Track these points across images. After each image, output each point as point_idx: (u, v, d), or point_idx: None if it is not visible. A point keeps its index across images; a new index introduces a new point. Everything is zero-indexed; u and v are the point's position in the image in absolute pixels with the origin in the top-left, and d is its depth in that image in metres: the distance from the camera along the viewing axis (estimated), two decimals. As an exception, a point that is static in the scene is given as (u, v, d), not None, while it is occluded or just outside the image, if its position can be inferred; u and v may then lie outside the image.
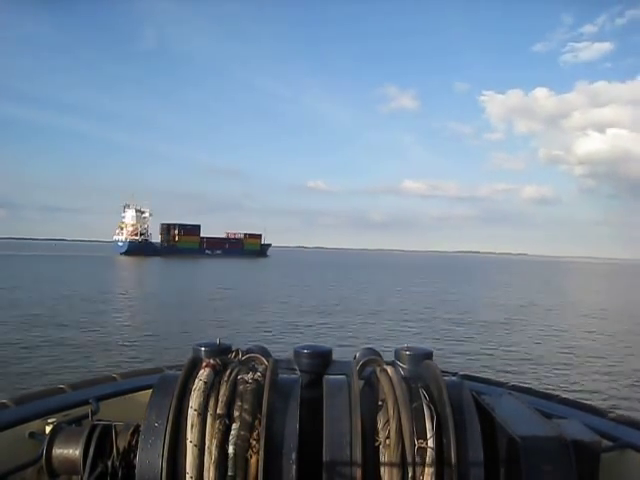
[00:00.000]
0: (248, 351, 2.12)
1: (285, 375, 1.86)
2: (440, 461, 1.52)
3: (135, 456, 1.59)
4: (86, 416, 2.03)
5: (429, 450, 1.52)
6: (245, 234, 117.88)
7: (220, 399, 1.58)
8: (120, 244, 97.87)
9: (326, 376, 1.82)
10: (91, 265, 67.17)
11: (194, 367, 1.70)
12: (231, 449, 1.50)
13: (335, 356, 2.24)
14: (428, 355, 2.07)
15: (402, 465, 1.50)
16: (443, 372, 1.84)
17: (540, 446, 1.56)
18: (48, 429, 1.87)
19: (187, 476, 1.50)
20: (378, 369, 1.80)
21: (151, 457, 1.52)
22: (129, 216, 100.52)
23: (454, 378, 2.01)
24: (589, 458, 1.62)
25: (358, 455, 1.49)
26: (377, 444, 1.54)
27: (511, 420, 1.66)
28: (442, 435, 1.55)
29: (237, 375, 1.67)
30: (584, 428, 1.76)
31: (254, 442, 1.51)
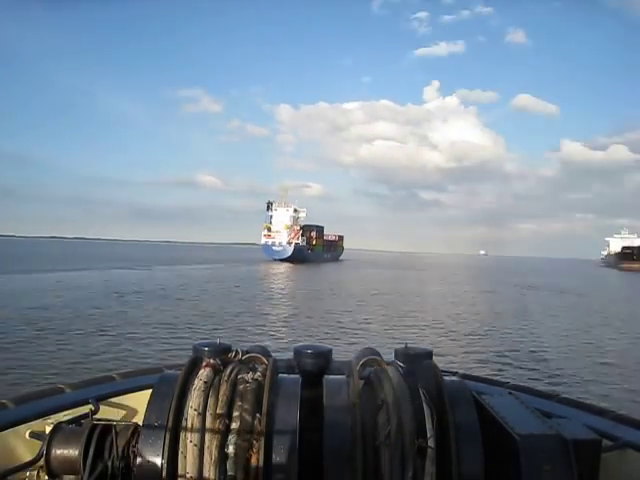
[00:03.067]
0: (248, 351, 2.12)
1: (285, 375, 1.86)
2: (440, 461, 1.52)
3: (135, 456, 1.60)
4: (86, 416, 2.03)
5: (429, 450, 1.52)
6: (338, 236, 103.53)
7: (220, 399, 1.58)
8: (278, 248, 79.86)
9: (326, 376, 1.82)
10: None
11: (194, 367, 1.70)
12: (231, 449, 1.50)
13: (335, 356, 2.24)
14: (428, 355, 2.07)
15: (402, 465, 1.50)
16: (443, 372, 1.84)
17: (540, 446, 1.56)
18: (48, 429, 1.87)
19: (187, 476, 1.49)
20: (378, 369, 1.80)
21: (151, 457, 1.52)
22: (284, 216, 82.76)
23: (454, 378, 2.01)
24: (589, 458, 1.62)
25: (358, 455, 1.49)
26: (377, 444, 1.54)
27: (511, 420, 1.66)
28: (442, 435, 1.55)
29: (237, 375, 1.67)
30: (584, 428, 1.76)
31: (254, 442, 1.51)
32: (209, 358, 1.75)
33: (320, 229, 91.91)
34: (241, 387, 1.63)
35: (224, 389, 1.60)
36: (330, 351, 2.21)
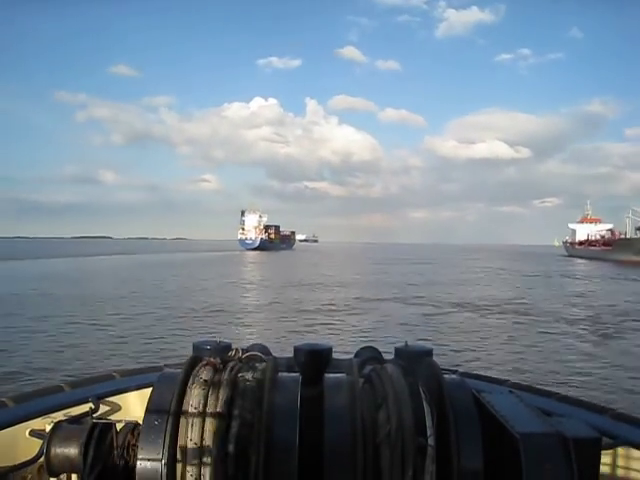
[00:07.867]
0: (248, 349, 2.11)
1: (285, 374, 1.85)
2: (440, 459, 1.52)
3: (135, 455, 1.59)
4: (86, 414, 2.03)
5: (429, 448, 1.52)
6: (291, 232, 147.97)
7: (220, 397, 1.58)
8: (249, 241, 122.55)
9: (326, 374, 1.82)
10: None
11: (194, 365, 1.70)
12: (231, 448, 1.50)
13: (335, 354, 2.24)
14: (428, 353, 2.06)
15: (402, 463, 1.49)
16: (443, 370, 1.84)
17: (540, 444, 1.55)
18: (48, 427, 1.87)
19: (187, 475, 1.49)
20: (378, 367, 1.79)
21: (151, 456, 1.51)
22: (253, 220, 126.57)
23: (454, 376, 2.00)
24: (589, 456, 1.62)
25: (359, 453, 1.49)
26: (377, 442, 1.54)
27: (511, 418, 1.65)
28: (442, 433, 1.55)
29: (237, 373, 1.67)
30: (584, 426, 1.75)
31: (254, 441, 1.51)
32: (209, 357, 1.75)
33: (277, 227, 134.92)
34: (241, 386, 1.62)
35: (224, 388, 1.60)
36: (330, 349, 2.21)
